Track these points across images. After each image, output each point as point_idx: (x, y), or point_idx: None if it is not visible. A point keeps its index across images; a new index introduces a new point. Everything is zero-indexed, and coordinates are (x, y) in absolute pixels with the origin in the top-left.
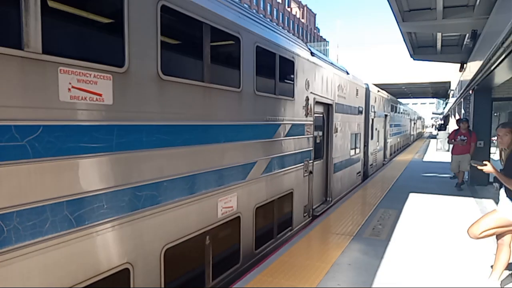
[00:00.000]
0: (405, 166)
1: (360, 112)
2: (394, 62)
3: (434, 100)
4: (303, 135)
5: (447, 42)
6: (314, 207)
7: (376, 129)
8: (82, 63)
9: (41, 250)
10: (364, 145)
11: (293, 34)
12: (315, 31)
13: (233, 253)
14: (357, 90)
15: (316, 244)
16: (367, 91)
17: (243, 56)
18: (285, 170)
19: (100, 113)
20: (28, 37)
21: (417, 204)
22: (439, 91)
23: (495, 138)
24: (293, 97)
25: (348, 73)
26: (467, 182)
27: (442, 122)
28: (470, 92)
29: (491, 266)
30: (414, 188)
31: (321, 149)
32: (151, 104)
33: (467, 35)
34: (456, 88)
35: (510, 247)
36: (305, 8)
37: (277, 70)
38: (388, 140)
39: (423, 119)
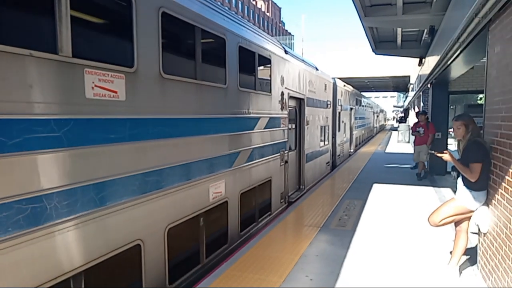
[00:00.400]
0: (368, 158)
1: (328, 106)
2: (357, 56)
3: (395, 93)
4: (279, 127)
5: (407, 37)
6: (289, 194)
7: (343, 121)
8: (102, 64)
9: (77, 224)
10: (332, 137)
11: (258, 28)
12: (280, 25)
13: (222, 234)
14: (325, 85)
15: (284, 236)
16: (334, 85)
17: (228, 55)
18: (264, 160)
19: (116, 108)
20: (61, 43)
21: (380, 194)
22: (400, 84)
23: (452, 129)
24: (270, 92)
25: (317, 69)
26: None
27: (403, 115)
28: (428, 86)
29: (450, 252)
30: (378, 179)
31: (294, 140)
32: (154, 100)
33: (425, 31)
34: (415, 82)
35: (467, 233)
36: (270, 1)
37: (256, 67)
38: (354, 132)
39: (385, 112)
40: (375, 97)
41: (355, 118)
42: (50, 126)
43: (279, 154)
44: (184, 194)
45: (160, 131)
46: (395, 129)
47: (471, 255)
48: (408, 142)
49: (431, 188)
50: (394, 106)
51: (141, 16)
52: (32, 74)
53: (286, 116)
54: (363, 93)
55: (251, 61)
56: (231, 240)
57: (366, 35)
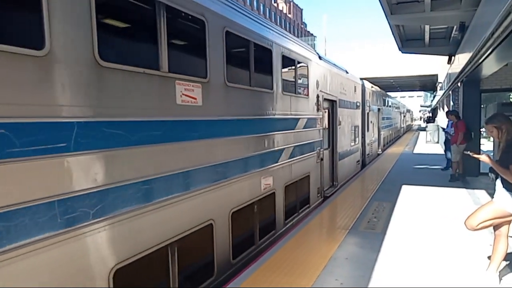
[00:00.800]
0: (396, 159)
1: (357, 107)
2: (382, 56)
3: (422, 93)
4: (316, 127)
5: (435, 35)
6: (324, 189)
7: (371, 122)
8: (186, 77)
9: (172, 204)
10: (362, 137)
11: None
12: (302, 26)
13: (271, 221)
14: (355, 87)
15: (312, 238)
16: (363, 87)
17: (274, 64)
18: (303, 157)
19: (195, 111)
20: (162, 62)
21: (410, 196)
22: (427, 84)
23: (483, 129)
24: (308, 95)
25: (347, 72)
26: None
27: (430, 114)
28: (459, 84)
29: (488, 257)
30: (406, 180)
31: (328, 139)
32: (221, 104)
33: (455, 28)
34: (444, 81)
35: (507, 237)
36: (291, 3)
37: (296, 73)
38: (381, 132)
39: (412, 112)
40: (401, 97)
41: (382, 119)
42: (153, 126)
43: (315, 152)
44: (242, 184)
45: (225, 130)
46: (423, 129)
47: (511, 260)
48: (437, 142)
49: (463, 190)
50: (421, 106)
51: (211, 35)
52: (145, 86)
53: (321, 117)
54: (389, 93)
55: (292, 67)
56: (278, 227)
57: (393, 33)
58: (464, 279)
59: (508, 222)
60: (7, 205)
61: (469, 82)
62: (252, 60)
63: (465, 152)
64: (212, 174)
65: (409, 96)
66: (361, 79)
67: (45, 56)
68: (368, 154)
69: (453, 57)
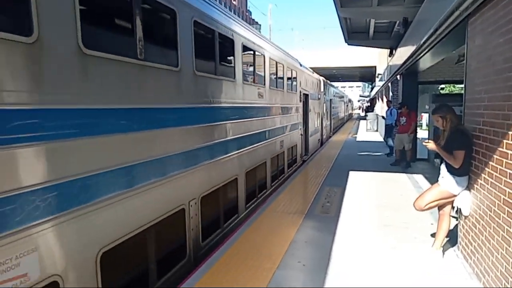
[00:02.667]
0: (341, 146)
1: (319, 98)
2: (324, 47)
3: (360, 83)
4: (299, 113)
5: (379, 28)
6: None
7: (326, 110)
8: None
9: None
10: (320, 121)
11: None
12: (246, 14)
13: (287, 165)
14: (317, 83)
15: (272, 223)
16: (321, 82)
17: (284, 75)
18: (295, 131)
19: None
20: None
21: (357, 181)
22: (366, 75)
23: (420, 117)
24: (296, 91)
25: (313, 72)
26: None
27: (369, 104)
28: (398, 77)
29: (431, 235)
30: (353, 166)
31: (303, 122)
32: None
33: (397, 22)
34: (384, 72)
35: (449, 216)
36: None
37: (292, 77)
38: (332, 118)
39: (352, 101)
40: (342, 87)
41: (333, 107)
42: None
43: (299, 129)
44: (260, 149)
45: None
46: (362, 118)
47: (450, 237)
48: (377, 130)
49: (403, 174)
50: (360, 96)
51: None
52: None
53: (301, 106)
54: (332, 83)
55: (291, 74)
56: (285, 171)
57: (341, 25)
58: (412, 255)
59: (451, 203)
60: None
61: (408, 74)
62: (267, 72)
63: (422, 141)
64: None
65: (349, 86)
66: (323, 78)
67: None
68: (324, 135)
69: (394, 50)
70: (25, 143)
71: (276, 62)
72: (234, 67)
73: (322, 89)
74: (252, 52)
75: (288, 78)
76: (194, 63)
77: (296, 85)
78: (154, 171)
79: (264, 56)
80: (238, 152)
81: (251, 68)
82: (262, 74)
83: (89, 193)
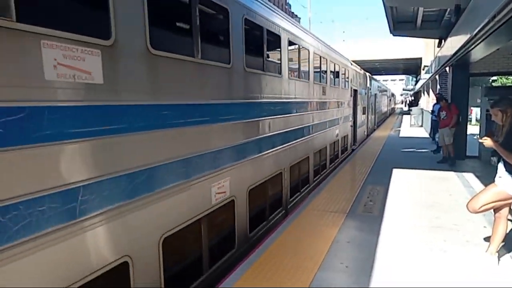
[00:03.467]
0: (384, 142)
1: (366, 94)
2: (367, 39)
3: (403, 76)
4: (350, 107)
5: (427, 17)
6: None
7: (371, 104)
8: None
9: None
10: (367, 115)
11: None
12: (286, 7)
13: (342, 150)
14: (364, 78)
15: (312, 222)
16: (368, 78)
17: (339, 74)
18: (347, 123)
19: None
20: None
21: (401, 179)
22: (411, 67)
23: (469, 112)
24: (348, 88)
25: (360, 69)
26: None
27: (412, 98)
28: (447, 68)
29: (484, 239)
30: (396, 163)
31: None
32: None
33: (448, 10)
34: (431, 64)
35: (506, 220)
36: None
37: (346, 75)
38: (376, 112)
39: (395, 95)
40: (384, 80)
41: (375, 102)
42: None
43: (350, 121)
44: (327, 132)
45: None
46: (406, 112)
47: (506, 242)
48: (421, 126)
49: (452, 172)
50: (403, 89)
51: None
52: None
53: (352, 100)
54: (374, 76)
55: (345, 73)
56: (341, 155)
57: (386, 15)
58: (464, 260)
59: (508, 205)
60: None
61: (459, 65)
62: (328, 72)
63: (477, 138)
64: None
65: (392, 80)
66: (368, 74)
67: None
68: (369, 127)
69: (443, 41)
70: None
71: (335, 64)
72: (308, 69)
73: (368, 84)
74: (319, 57)
75: (343, 77)
76: (342, 84)
77: (348, 82)
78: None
79: (327, 60)
80: (309, 137)
81: (317, 70)
82: (325, 75)
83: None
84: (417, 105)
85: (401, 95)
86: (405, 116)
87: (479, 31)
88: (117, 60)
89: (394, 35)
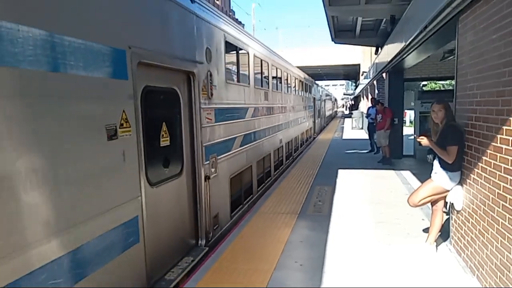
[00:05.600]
0: (328, 144)
1: (319, 99)
2: (309, 45)
3: (344, 82)
4: (312, 109)
5: (365, 26)
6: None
7: (321, 107)
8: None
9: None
10: (319, 115)
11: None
12: (230, 13)
13: (306, 139)
14: (318, 88)
15: (266, 224)
16: (320, 87)
17: (308, 91)
18: (314, 119)
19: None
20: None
21: (346, 179)
22: (350, 73)
23: (404, 114)
24: (314, 96)
25: (318, 85)
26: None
27: (353, 102)
28: (384, 74)
29: (423, 230)
30: (341, 165)
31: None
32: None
33: (384, 20)
34: (369, 70)
35: (442, 211)
36: None
37: (310, 90)
38: (326, 113)
39: (337, 100)
40: (326, 85)
41: (325, 106)
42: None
43: (313, 119)
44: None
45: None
46: (347, 116)
47: (442, 232)
48: (362, 128)
49: (391, 171)
50: (344, 94)
51: None
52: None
53: (313, 105)
54: (317, 81)
55: (308, 89)
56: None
57: (328, 24)
58: (407, 251)
59: (443, 198)
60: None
61: (394, 71)
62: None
63: (414, 137)
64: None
65: (333, 85)
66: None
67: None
68: (321, 125)
69: (380, 48)
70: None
71: (305, 84)
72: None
73: (321, 93)
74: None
75: (290, 82)
76: (314, 95)
77: (312, 93)
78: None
79: (302, 82)
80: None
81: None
82: (301, 91)
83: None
84: (357, 108)
85: (342, 99)
86: (346, 119)
87: (412, 40)
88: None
89: (335, 43)
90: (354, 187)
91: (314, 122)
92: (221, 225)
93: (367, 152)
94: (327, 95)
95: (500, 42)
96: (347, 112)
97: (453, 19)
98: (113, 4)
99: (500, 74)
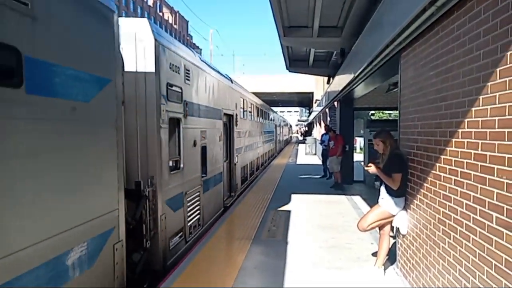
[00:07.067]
0: (283, 169)
1: (278, 126)
2: (265, 72)
3: (298, 108)
4: (274, 133)
5: (318, 57)
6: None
7: (280, 132)
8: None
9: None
10: (277, 138)
11: None
12: (188, 38)
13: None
14: (276, 117)
15: (220, 249)
16: (278, 116)
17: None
18: (275, 140)
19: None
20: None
21: (300, 203)
22: (304, 100)
23: (354, 141)
24: (274, 123)
25: (274, 111)
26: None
27: (306, 128)
28: (335, 103)
29: (372, 254)
30: (295, 189)
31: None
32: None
33: (335, 53)
34: (322, 98)
35: (389, 235)
36: (177, 14)
37: (271, 118)
38: (280, 139)
39: (291, 126)
40: (281, 111)
41: (282, 130)
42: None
43: (275, 139)
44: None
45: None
46: (301, 141)
47: (390, 255)
48: (315, 154)
49: (342, 196)
50: (298, 120)
51: None
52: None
53: (274, 130)
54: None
55: (272, 116)
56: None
57: (283, 53)
58: (357, 275)
59: (390, 223)
60: None
61: (345, 100)
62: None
63: (362, 165)
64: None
65: (288, 111)
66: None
67: None
68: (280, 147)
69: (331, 78)
70: None
71: (268, 114)
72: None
73: (279, 120)
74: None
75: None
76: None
77: (273, 121)
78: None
79: (267, 112)
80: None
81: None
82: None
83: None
84: (310, 135)
85: (296, 125)
86: (300, 145)
87: (360, 72)
88: None
89: (290, 71)
90: (308, 212)
91: (275, 143)
92: (237, 188)
93: (320, 177)
94: (283, 121)
95: (437, 78)
96: (301, 138)
97: (396, 55)
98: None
99: (438, 108)
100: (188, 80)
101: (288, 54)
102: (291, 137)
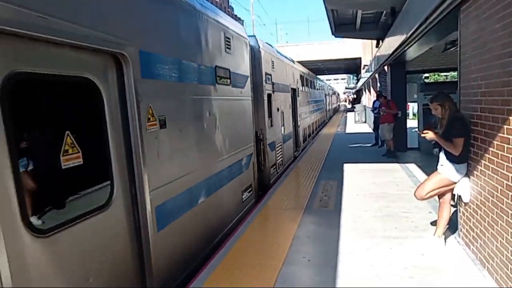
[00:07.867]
0: (332, 139)
1: (325, 94)
2: (310, 40)
3: (345, 76)
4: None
5: (365, 19)
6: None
7: (330, 99)
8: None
9: None
10: (326, 108)
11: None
12: (229, 10)
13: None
14: (322, 84)
15: (273, 220)
16: (324, 83)
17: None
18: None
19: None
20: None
21: (351, 173)
22: (351, 67)
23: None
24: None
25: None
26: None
27: (355, 96)
28: (385, 67)
29: (431, 223)
30: (345, 159)
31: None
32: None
33: (384, 13)
34: (371, 63)
35: (450, 204)
36: None
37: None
38: (329, 107)
39: (339, 94)
40: (327, 80)
41: (331, 99)
42: None
43: (330, 105)
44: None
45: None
46: (349, 110)
47: (450, 224)
48: (365, 122)
49: (396, 164)
50: (345, 88)
51: None
52: None
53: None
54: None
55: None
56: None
57: (328, 18)
58: (416, 244)
59: (450, 190)
60: None
61: (396, 64)
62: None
63: (417, 132)
64: None
65: (334, 79)
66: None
67: None
68: (330, 112)
69: (381, 41)
70: None
71: (319, 84)
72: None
73: (328, 89)
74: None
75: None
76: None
77: (323, 90)
78: None
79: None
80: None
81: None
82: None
83: None
84: (359, 102)
85: (344, 93)
86: (349, 113)
87: (413, 32)
88: None
89: (335, 37)
90: (360, 181)
91: (325, 111)
92: (299, 146)
93: (371, 146)
94: (331, 90)
95: (503, 32)
96: (349, 106)
97: (454, 10)
98: None
99: (505, 64)
100: (273, 68)
101: (334, 18)
102: (339, 105)
